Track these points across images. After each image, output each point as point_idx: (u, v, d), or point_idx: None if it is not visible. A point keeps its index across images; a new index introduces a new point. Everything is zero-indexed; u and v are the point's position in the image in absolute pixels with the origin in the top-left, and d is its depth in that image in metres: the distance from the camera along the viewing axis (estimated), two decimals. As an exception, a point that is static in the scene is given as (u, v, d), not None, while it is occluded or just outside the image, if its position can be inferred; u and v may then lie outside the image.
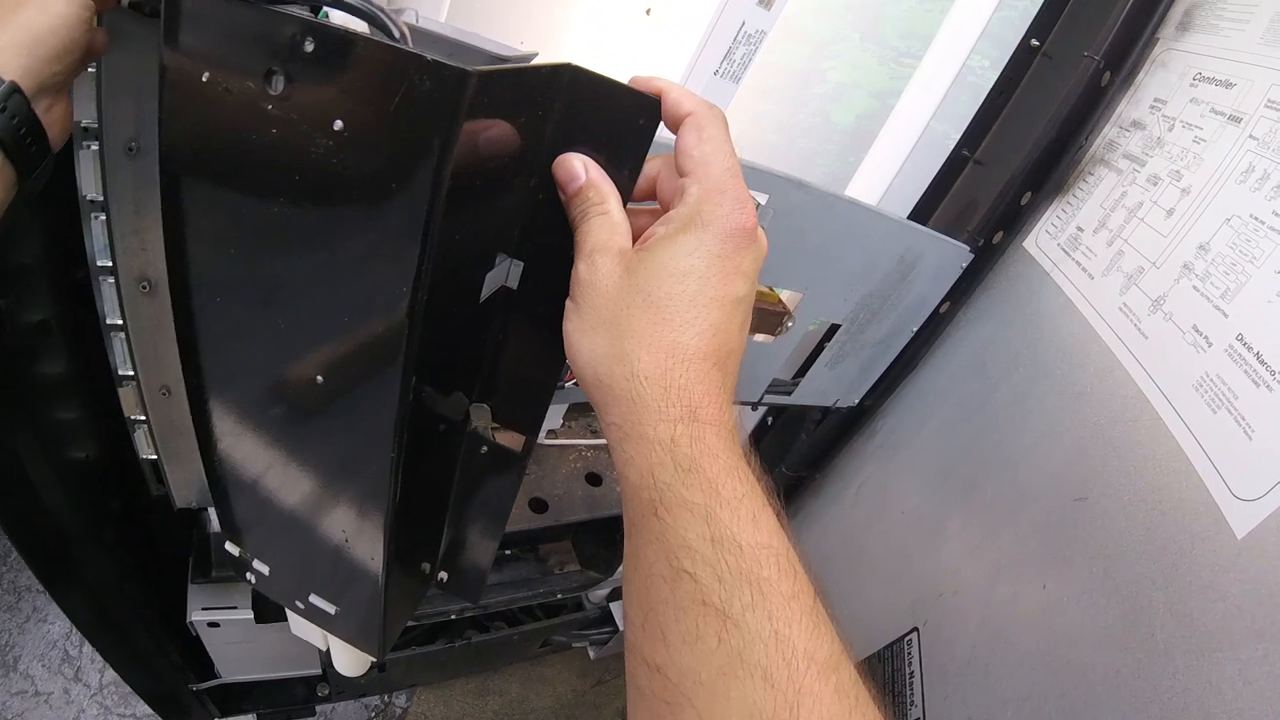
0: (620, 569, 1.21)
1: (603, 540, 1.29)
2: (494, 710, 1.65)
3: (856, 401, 1.02)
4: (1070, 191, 0.82)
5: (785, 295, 0.83)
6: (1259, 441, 0.54)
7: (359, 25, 0.38)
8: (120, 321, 0.61)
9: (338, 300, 0.39)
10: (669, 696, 0.33)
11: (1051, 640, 0.66)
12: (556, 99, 0.39)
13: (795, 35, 0.98)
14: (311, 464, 0.48)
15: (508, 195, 0.41)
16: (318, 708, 1.32)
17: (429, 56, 0.31)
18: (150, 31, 0.38)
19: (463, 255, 0.40)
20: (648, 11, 0.85)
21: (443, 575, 0.61)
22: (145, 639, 0.97)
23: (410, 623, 1.13)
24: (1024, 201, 0.84)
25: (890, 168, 1.05)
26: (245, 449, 0.49)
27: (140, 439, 0.70)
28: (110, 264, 0.58)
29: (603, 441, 0.46)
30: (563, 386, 0.68)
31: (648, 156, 0.43)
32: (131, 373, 0.64)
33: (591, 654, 1.55)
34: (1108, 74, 0.77)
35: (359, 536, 0.49)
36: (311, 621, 0.58)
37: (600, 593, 1.33)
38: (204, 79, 0.35)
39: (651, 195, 0.45)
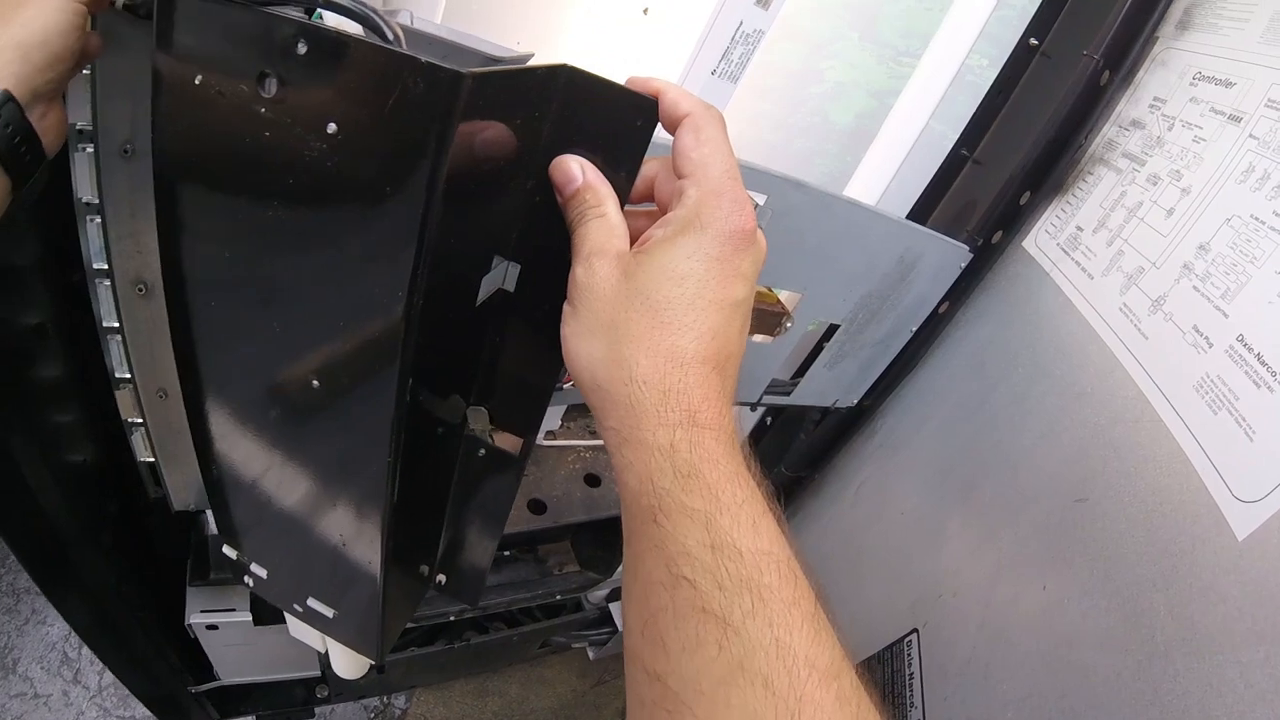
0: (619, 570, 1.21)
1: (601, 541, 1.29)
2: (493, 711, 1.65)
3: (855, 402, 1.01)
4: (1069, 191, 0.82)
5: (784, 295, 0.82)
6: (1260, 443, 0.53)
7: (354, 27, 0.38)
8: (117, 324, 0.61)
9: (333, 304, 0.39)
10: (669, 704, 0.33)
11: (1052, 641, 0.66)
12: (553, 100, 0.39)
13: (793, 35, 0.98)
14: (308, 467, 0.48)
15: (504, 198, 0.41)
16: (317, 709, 1.32)
17: (422, 58, 0.31)
18: (145, 33, 0.38)
19: (459, 258, 0.39)
20: (645, 11, 0.85)
21: (441, 577, 0.60)
22: (143, 641, 0.97)
23: (409, 624, 1.12)
24: (1023, 201, 0.84)
25: (889, 167, 1.05)
26: (242, 453, 0.49)
27: (137, 441, 0.70)
28: (106, 266, 0.58)
29: (601, 442, 0.46)
30: (561, 388, 0.68)
31: (645, 158, 0.42)
32: (128, 375, 0.64)
33: (591, 654, 1.55)
34: (1107, 73, 0.77)
35: (356, 539, 0.49)
36: (310, 625, 0.58)
37: (599, 593, 1.33)
38: (196, 82, 0.35)
39: (649, 197, 0.44)
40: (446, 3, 0.74)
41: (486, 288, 0.43)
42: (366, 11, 0.37)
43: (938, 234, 0.83)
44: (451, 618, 1.18)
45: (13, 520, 0.72)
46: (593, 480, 1.29)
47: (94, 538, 0.82)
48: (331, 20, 0.39)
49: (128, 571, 0.89)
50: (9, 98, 0.37)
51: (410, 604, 0.62)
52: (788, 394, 0.93)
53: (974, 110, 0.92)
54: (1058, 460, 0.72)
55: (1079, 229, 0.78)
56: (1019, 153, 0.82)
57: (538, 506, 1.21)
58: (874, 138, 1.07)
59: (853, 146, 1.11)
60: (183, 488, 0.74)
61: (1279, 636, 0.49)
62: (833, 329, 0.87)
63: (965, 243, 0.85)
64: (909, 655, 0.84)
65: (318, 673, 1.21)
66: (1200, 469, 0.57)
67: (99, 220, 0.55)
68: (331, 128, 0.33)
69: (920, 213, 0.96)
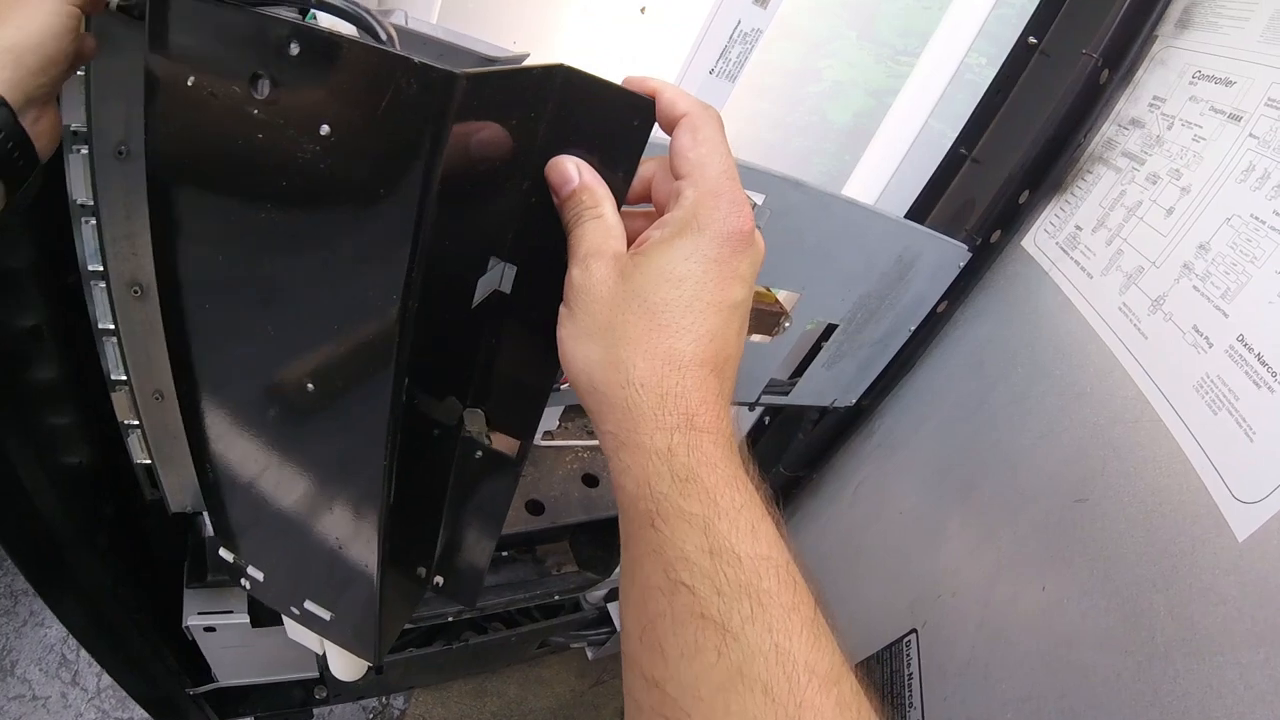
0: (617, 570, 1.21)
1: (600, 541, 1.29)
2: (492, 711, 1.65)
3: (854, 401, 1.01)
4: (1069, 190, 0.82)
5: (782, 295, 0.82)
6: (1260, 443, 0.53)
7: (348, 28, 0.38)
8: (112, 326, 0.60)
9: (328, 306, 0.38)
10: (668, 711, 0.33)
11: (1051, 642, 0.66)
12: (549, 100, 0.39)
13: (791, 33, 0.97)
14: (304, 470, 0.47)
15: (500, 199, 0.40)
16: (315, 710, 1.31)
17: (416, 59, 0.30)
18: (139, 34, 0.37)
19: (454, 260, 0.39)
20: (642, 10, 0.84)
21: (438, 579, 0.60)
22: (141, 644, 0.96)
23: (407, 625, 1.12)
24: (1022, 200, 0.84)
25: (887, 166, 1.04)
26: (237, 455, 0.49)
27: (134, 444, 0.70)
28: (101, 268, 0.57)
29: (599, 442, 0.46)
30: (558, 389, 0.68)
31: (642, 158, 0.42)
32: (124, 377, 0.63)
33: (589, 655, 1.55)
34: (1106, 72, 0.77)
35: (353, 542, 0.48)
36: (307, 627, 0.58)
37: (598, 594, 1.33)
38: (189, 83, 0.34)
39: (646, 198, 0.44)
40: (442, 2, 0.73)
41: (483, 289, 0.43)
42: (359, 11, 0.37)
43: (936, 233, 0.83)
44: (450, 618, 1.18)
45: (8, 522, 0.72)
46: (591, 480, 1.28)
47: (90, 540, 0.82)
48: (325, 21, 0.38)
49: (124, 573, 0.89)
50: (2, 103, 0.37)
51: (408, 606, 0.62)
52: (786, 394, 0.92)
53: (973, 109, 0.92)
54: (1057, 460, 0.72)
55: (1078, 228, 0.78)
56: (1018, 151, 0.82)
57: (536, 507, 1.20)
58: (872, 136, 1.07)
59: (851, 145, 1.11)
60: (179, 490, 0.74)
61: (1279, 638, 0.48)
62: (831, 328, 0.86)
63: (964, 242, 0.85)
64: (908, 655, 0.84)
65: (316, 674, 1.21)
66: (1200, 469, 0.57)
67: (94, 222, 0.55)
68: (325, 129, 0.33)
69: (919, 212, 0.96)
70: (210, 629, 0.97)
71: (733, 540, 0.34)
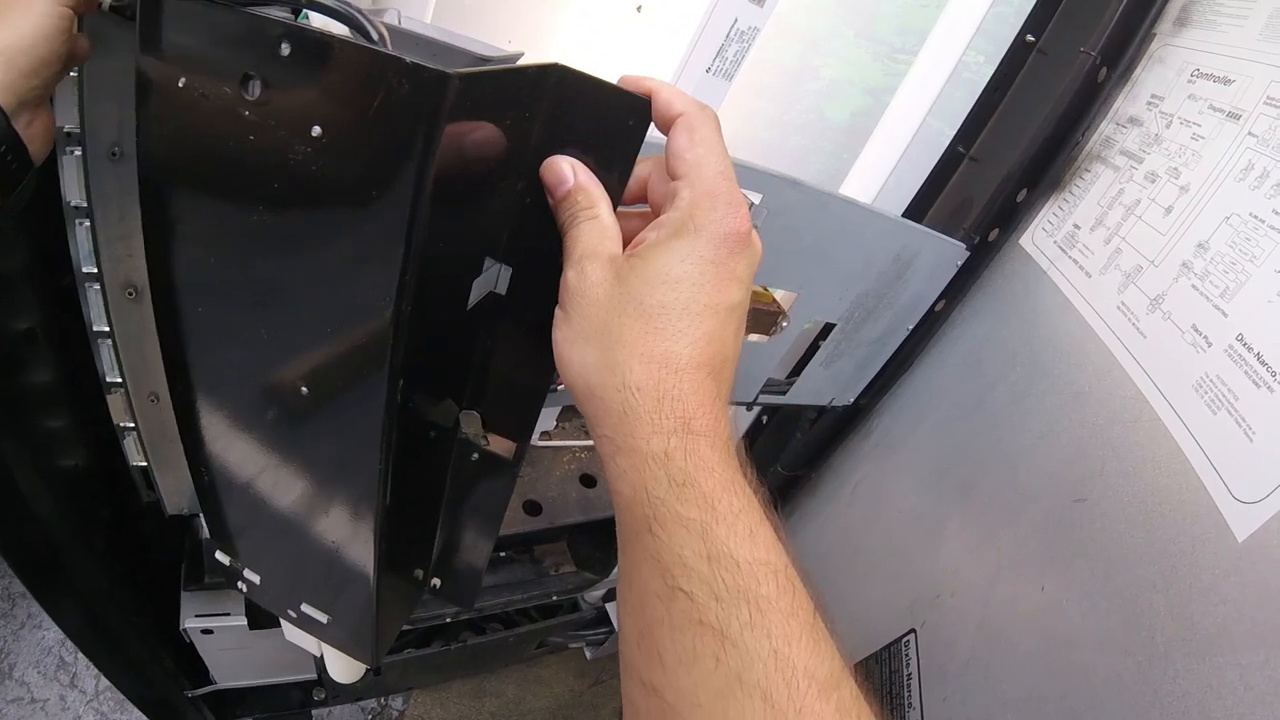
0: (615, 570, 1.21)
1: (597, 541, 1.29)
2: (491, 712, 1.65)
3: (852, 400, 1.01)
4: (1067, 188, 0.82)
5: (780, 294, 0.82)
6: (1260, 443, 0.53)
7: (340, 29, 0.37)
8: (107, 328, 0.60)
9: (321, 309, 0.38)
10: (667, 718, 0.32)
11: (1051, 642, 0.66)
12: (543, 100, 0.38)
13: (788, 32, 0.97)
14: (299, 473, 0.47)
15: (494, 199, 0.40)
16: (314, 712, 1.31)
17: (407, 59, 0.30)
18: (132, 35, 0.37)
19: (448, 261, 0.39)
20: (639, 9, 0.84)
21: (436, 581, 0.60)
22: (138, 646, 0.96)
23: (405, 626, 1.12)
24: (1020, 198, 0.84)
25: (885, 165, 1.04)
26: (232, 459, 0.49)
27: (130, 446, 0.69)
28: (96, 270, 0.57)
29: (597, 443, 0.46)
30: (555, 390, 0.68)
31: (638, 158, 0.42)
32: (119, 380, 0.63)
33: (588, 654, 1.55)
34: (1104, 70, 0.76)
35: (349, 545, 0.48)
36: (304, 630, 0.57)
37: (596, 594, 1.33)
38: (180, 84, 0.34)
39: (642, 198, 0.44)
40: (436, 2, 0.73)
41: (478, 290, 0.43)
42: (350, 11, 0.36)
43: (934, 232, 0.83)
44: (448, 619, 1.18)
45: (4, 526, 0.72)
46: (588, 481, 1.28)
47: (86, 542, 0.82)
48: (317, 21, 0.38)
49: (121, 576, 0.89)
50: None
51: (405, 608, 0.62)
52: (784, 393, 0.92)
53: (971, 107, 0.91)
54: (1056, 460, 0.72)
55: (1076, 227, 0.78)
56: (1016, 150, 0.82)
57: (533, 508, 1.20)
58: (870, 135, 1.07)
59: (849, 144, 1.10)
60: (176, 492, 0.74)
61: (1279, 639, 0.48)
62: (829, 328, 0.86)
63: (962, 240, 0.85)
64: (907, 656, 0.84)
65: (314, 675, 1.21)
66: (1200, 469, 0.57)
67: (88, 224, 0.55)
68: (316, 130, 0.32)
69: (916, 210, 0.96)
70: (208, 631, 0.97)
71: (731, 545, 0.34)
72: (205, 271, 0.40)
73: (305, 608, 0.55)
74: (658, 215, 0.40)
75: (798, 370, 0.92)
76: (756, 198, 0.64)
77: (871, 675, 0.89)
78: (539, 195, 0.41)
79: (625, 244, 0.40)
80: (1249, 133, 0.61)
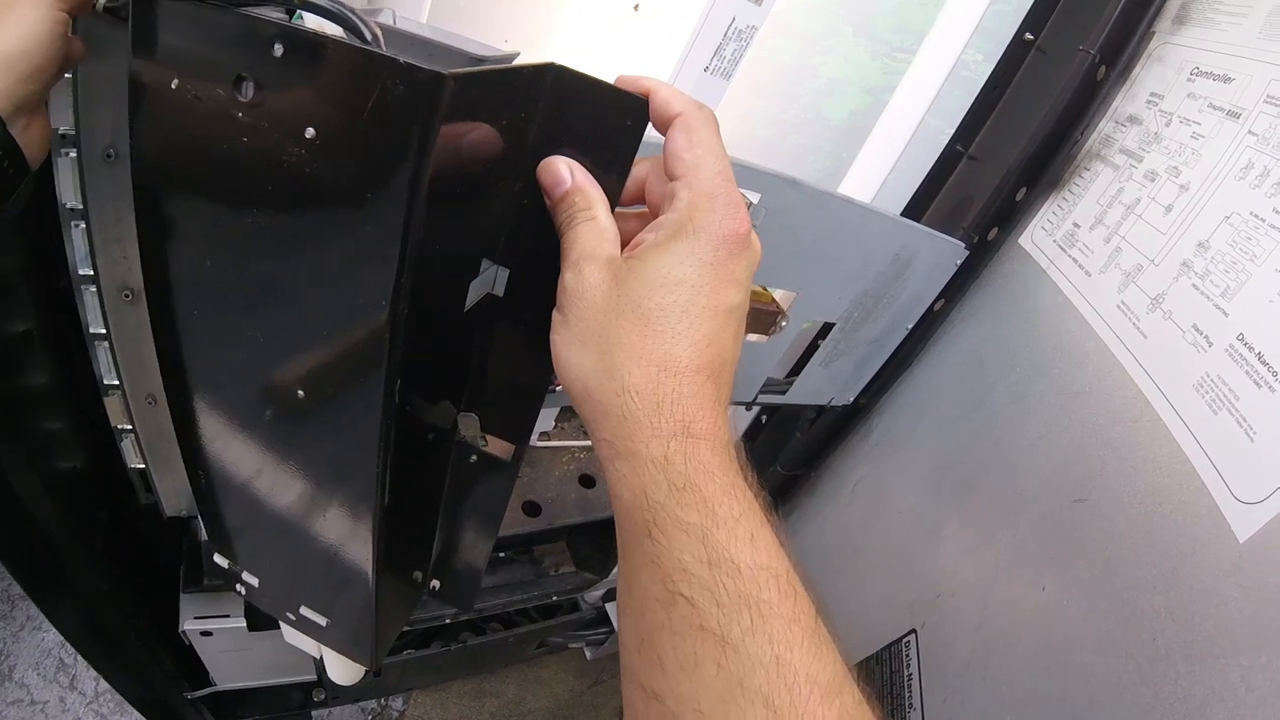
0: (615, 570, 1.21)
1: (597, 542, 1.29)
2: (491, 712, 1.64)
3: (851, 400, 1.01)
4: (1066, 187, 0.81)
5: (779, 294, 0.82)
6: (1261, 443, 0.53)
7: (334, 29, 0.37)
8: (104, 330, 0.60)
9: (317, 312, 0.38)
10: None
11: (1051, 643, 0.66)
12: (540, 100, 0.38)
13: (786, 31, 0.97)
14: (297, 476, 0.47)
15: (491, 201, 0.40)
16: (314, 713, 1.31)
17: (402, 59, 0.30)
18: (126, 36, 0.37)
19: (445, 263, 0.39)
20: (636, 7, 0.84)
21: (435, 583, 0.60)
22: (137, 648, 0.96)
23: (405, 627, 1.12)
24: (1019, 197, 0.83)
25: (884, 164, 1.04)
26: (229, 462, 0.48)
27: (127, 448, 0.69)
28: (92, 272, 0.57)
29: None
30: (553, 391, 0.67)
31: (636, 159, 0.42)
32: (116, 382, 0.63)
33: (588, 654, 1.55)
34: (1103, 68, 0.76)
35: (347, 547, 0.48)
36: (303, 633, 0.57)
37: (595, 594, 1.32)
38: (173, 86, 0.34)
39: (640, 199, 0.43)
40: (432, 2, 0.73)
41: (475, 292, 0.43)
42: (343, 11, 0.36)
43: (933, 231, 0.82)
44: (447, 620, 1.18)
45: (3, 528, 0.72)
46: (587, 481, 1.28)
47: (85, 545, 0.81)
48: (312, 22, 0.38)
49: (119, 578, 0.89)
50: None
51: (404, 609, 0.62)
52: (783, 393, 0.92)
53: (969, 106, 0.91)
54: (1056, 460, 0.71)
55: (1076, 225, 0.78)
56: (1015, 148, 0.82)
57: (532, 509, 1.20)
58: (868, 134, 1.07)
59: (847, 143, 1.10)
60: (174, 494, 0.73)
61: (1281, 640, 0.48)
62: (828, 327, 0.86)
63: (961, 239, 0.85)
64: (907, 656, 0.84)
65: (314, 677, 1.20)
66: (1201, 470, 0.57)
67: (84, 226, 0.55)
68: (310, 132, 0.32)
69: (915, 209, 0.95)
70: (207, 633, 0.97)
71: (732, 550, 0.33)
72: (200, 274, 0.40)
73: (304, 610, 0.55)
74: (656, 216, 0.40)
75: (797, 370, 0.92)
76: (755, 197, 0.63)
77: (872, 675, 0.89)
78: (536, 196, 0.41)
79: (623, 245, 0.40)
80: (1249, 131, 0.61)
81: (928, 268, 0.84)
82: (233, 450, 0.47)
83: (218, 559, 0.57)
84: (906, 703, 0.81)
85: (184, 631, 0.95)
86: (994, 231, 0.85)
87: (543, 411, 0.61)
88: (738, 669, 0.31)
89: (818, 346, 0.89)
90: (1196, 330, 0.60)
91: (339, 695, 1.32)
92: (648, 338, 0.37)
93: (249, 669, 1.12)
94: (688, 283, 0.37)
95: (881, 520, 0.97)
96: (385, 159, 0.32)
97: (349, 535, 0.47)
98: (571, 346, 0.39)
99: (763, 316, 0.81)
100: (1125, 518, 0.62)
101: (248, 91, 0.32)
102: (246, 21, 0.32)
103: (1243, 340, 0.56)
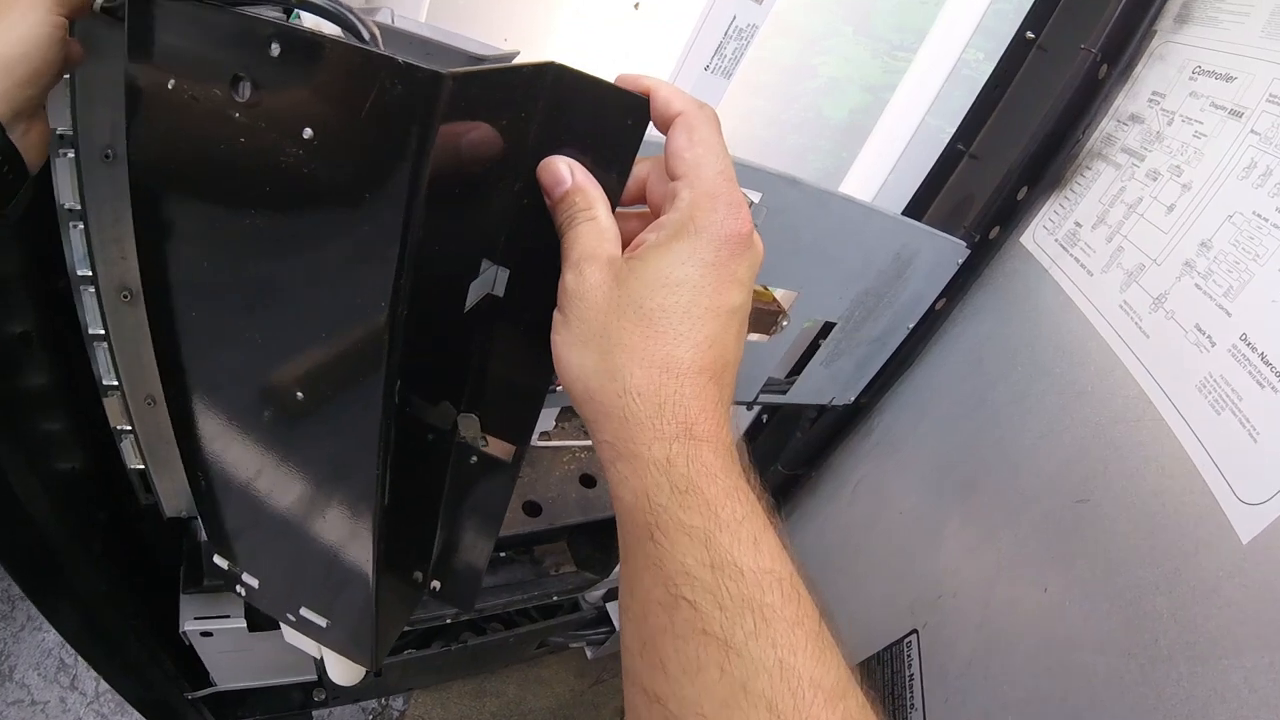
0: (616, 569, 1.21)
1: (597, 541, 1.29)
2: (491, 712, 1.64)
3: (852, 399, 1.01)
4: (1068, 186, 0.81)
5: (779, 294, 0.82)
6: (1264, 444, 0.53)
7: (333, 29, 0.37)
8: (102, 331, 0.60)
9: (316, 312, 0.38)
10: None
11: (1053, 643, 0.65)
12: (540, 99, 0.38)
13: (787, 30, 0.97)
14: (296, 477, 0.47)
15: (491, 201, 0.40)
16: (314, 713, 1.31)
17: (400, 58, 0.30)
18: (124, 36, 0.37)
19: (444, 263, 0.38)
20: (636, 6, 0.84)
21: (435, 583, 0.60)
22: (137, 649, 0.96)
23: (405, 627, 1.12)
24: (1020, 196, 0.83)
25: (884, 163, 1.04)
26: (229, 463, 0.48)
27: (127, 449, 0.69)
28: (90, 273, 0.57)
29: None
30: (554, 391, 0.67)
31: (637, 158, 0.41)
32: (115, 382, 0.63)
33: (589, 654, 1.55)
34: (1104, 67, 0.76)
35: (347, 548, 0.48)
36: (303, 634, 0.57)
37: (596, 593, 1.32)
38: (170, 86, 0.34)
39: (641, 199, 0.43)
40: (430, 1, 0.73)
41: (475, 293, 0.42)
42: (341, 10, 0.36)
43: (934, 230, 0.82)
44: (448, 620, 1.18)
45: (2, 529, 0.72)
46: (588, 481, 1.28)
47: (84, 545, 0.81)
48: (310, 22, 0.38)
49: (119, 579, 0.88)
50: None
51: (405, 610, 0.61)
52: (784, 392, 0.92)
53: (970, 105, 0.91)
54: (1058, 460, 0.71)
55: (1077, 225, 0.78)
56: (1016, 147, 0.82)
57: (533, 508, 1.20)
58: (869, 133, 1.07)
59: (847, 142, 1.10)
60: (174, 494, 0.73)
61: (1284, 641, 0.48)
62: (829, 326, 0.86)
63: (962, 239, 0.84)
64: (909, 656, 0.84)
65: (314, 677, 1.20)
66: (1203, 470, 0.56)
67: (82, 226, 0.54)
68: (308, 132, 0.32)
69: (916, 209, 0.95)
70: (207, 634, 0.97)
71: (735, 553, 0.33)
72: (198, 275, 0.40)
73: (304, 611, 0.55)
74: (657, 216, 0.40)
75: (798, 369, 0.92)
76: (756, 196, 0.63)
77: (873, 675, 0.89)
78: (536, 196, 0.40)
79: (624, 245, 0.40)
80: (1251, 130, 0.61)
81: (929, 267, 0.84)
82: (232, 451, 0.47)
83: (218, 560, 0.57)
84: (908, 703, 0.81)
85: (184, 632, 0.95)
86: (995, 230, 0.85)
87: (543, 411, 0.61)
88: (741, 673, 0.31)
89: (819, 346, 0.89)
90: (1199, 330, 0.60)
91: (339, 695, 1.32)
92: (649, 339, 0.36)
93: (249, 669, 1.12)
94: (689, 283, 0.37)
95: (883, 520, 0.97)
96: (384, 159, 0.32)
97: (349, 536, 0.47)
98: (572, 347, 0.38)
99: (764, 316, 0.80)
100: (1127, 518, 0.62)
101: (245, 91, 0.32)
102: (243, 21, 0.32)
103: (1245, 340, 0.56)
